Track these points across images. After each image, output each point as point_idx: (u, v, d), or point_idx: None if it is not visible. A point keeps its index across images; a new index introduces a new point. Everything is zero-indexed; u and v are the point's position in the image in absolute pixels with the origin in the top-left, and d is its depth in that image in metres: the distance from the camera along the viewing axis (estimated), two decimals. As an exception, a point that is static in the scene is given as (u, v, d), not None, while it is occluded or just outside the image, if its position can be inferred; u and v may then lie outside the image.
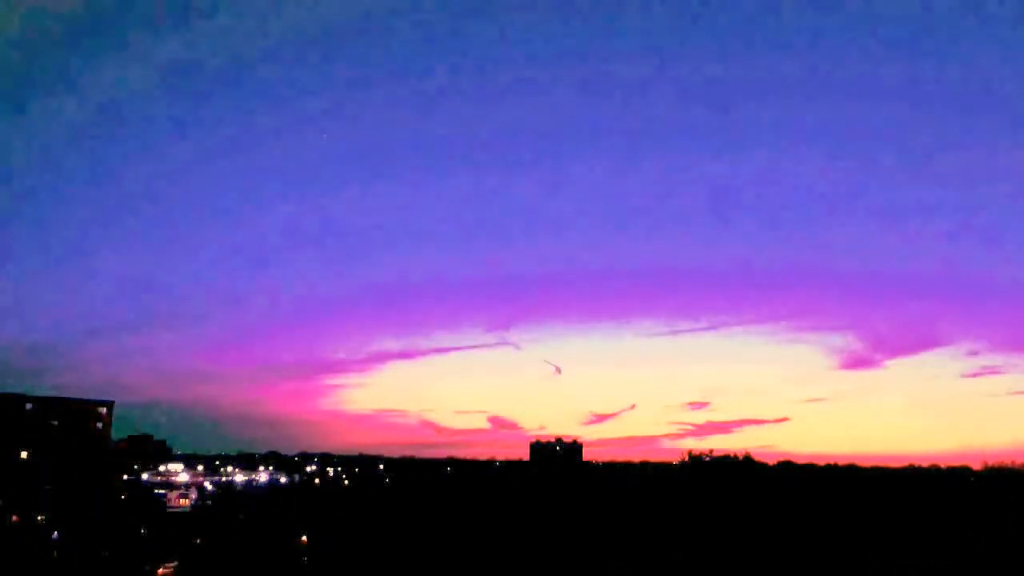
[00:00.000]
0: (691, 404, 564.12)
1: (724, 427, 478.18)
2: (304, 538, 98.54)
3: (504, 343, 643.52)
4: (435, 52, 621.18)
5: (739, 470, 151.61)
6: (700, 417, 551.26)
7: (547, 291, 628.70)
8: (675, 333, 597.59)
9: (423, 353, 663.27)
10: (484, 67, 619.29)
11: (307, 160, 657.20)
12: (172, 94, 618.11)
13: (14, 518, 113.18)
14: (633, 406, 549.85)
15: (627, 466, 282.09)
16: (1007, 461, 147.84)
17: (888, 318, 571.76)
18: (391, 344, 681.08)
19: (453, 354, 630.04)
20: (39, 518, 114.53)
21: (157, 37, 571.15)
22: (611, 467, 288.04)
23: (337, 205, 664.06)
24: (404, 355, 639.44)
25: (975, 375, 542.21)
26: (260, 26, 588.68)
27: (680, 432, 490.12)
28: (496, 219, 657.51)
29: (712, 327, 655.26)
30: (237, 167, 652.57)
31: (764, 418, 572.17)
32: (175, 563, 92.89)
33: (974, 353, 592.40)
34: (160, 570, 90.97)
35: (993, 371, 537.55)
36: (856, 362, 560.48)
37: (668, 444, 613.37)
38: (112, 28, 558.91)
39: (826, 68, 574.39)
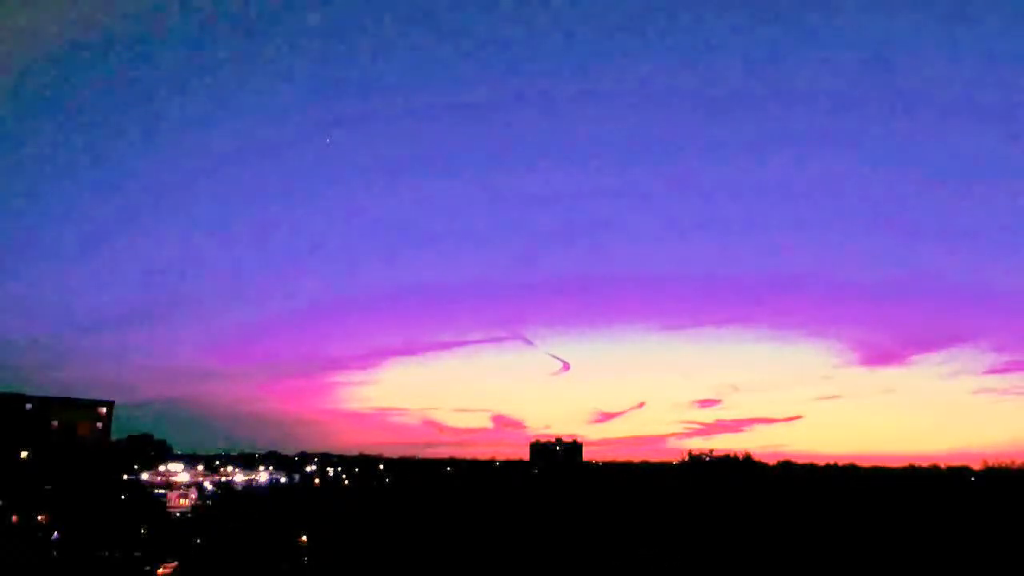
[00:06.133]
0: (701, 402, 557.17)
1: (734, 426, 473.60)
2: (304, 538, 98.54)
3: (513, 338, 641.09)
4: (444, 59, 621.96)
5: (738, 470, 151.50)
6: (709, 416, 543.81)
7: (555, 290, 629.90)
8: (686, 329, 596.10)
9: (425, 350, 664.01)
10: (495, 72, 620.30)
11: (309, 162, 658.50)
12: (181, 94, 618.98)
13: (14, 518, 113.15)
14: (642, 404, 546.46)
15: (626, 466, 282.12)
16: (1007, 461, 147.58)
17: (906, 315, 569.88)
18: (392, 341, 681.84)
19: (456, 350, 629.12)
20: (39, 518, 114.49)
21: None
22: (610, 467, 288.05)
23: (339, 205, 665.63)
24: (406, 352, 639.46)
25: (998, 371, 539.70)
26: (274, 40, 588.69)
27: (688, 431, 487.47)
28: (503, 218, 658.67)
29: (725, 323, 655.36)
30: (240, 168, 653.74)
31: (775, 416, 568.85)
32: (175, 563, 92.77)
33: (996, 350, 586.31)
34: (160, 570, 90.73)
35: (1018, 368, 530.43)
36: (870, 359, 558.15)
37: (675, 443, 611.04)
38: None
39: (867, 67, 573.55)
